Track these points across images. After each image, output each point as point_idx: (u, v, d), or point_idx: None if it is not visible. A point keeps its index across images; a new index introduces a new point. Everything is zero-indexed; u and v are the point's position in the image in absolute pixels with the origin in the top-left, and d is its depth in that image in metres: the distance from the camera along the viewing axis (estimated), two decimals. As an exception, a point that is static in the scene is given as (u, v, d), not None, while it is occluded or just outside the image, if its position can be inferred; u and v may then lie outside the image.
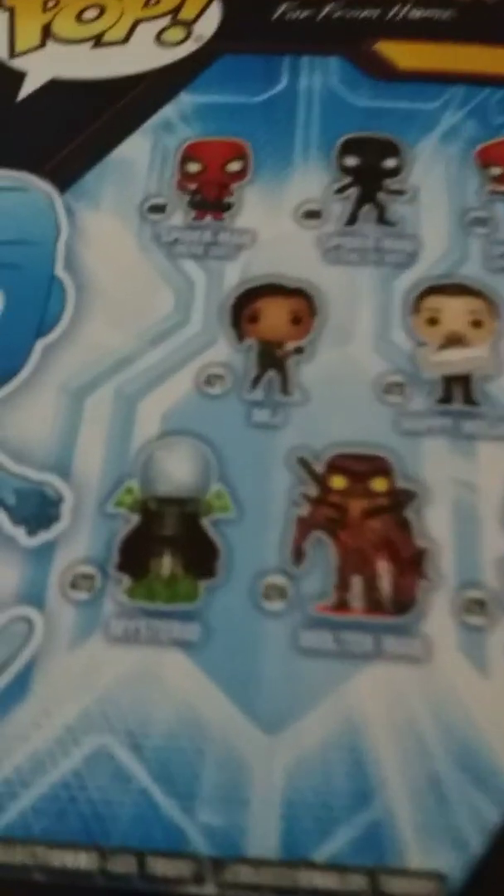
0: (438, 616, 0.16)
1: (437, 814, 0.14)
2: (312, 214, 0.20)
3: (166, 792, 0.15)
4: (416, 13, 0.23)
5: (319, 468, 0.17)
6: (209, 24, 0.23)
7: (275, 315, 0.19)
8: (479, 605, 0.16)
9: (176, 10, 0.23)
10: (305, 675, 0.16)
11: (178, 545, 0.17)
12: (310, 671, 0.16)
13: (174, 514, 0.17)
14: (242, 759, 0.15)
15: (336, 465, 0.17)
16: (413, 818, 0.14)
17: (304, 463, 0.17)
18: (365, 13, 0.23)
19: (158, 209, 0.21)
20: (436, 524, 0.17)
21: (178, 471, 0.18)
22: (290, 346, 0.19)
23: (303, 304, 0.19)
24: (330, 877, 0.14)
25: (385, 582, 0.16)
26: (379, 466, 0.17)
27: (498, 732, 0.15)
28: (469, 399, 0.18)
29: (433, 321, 0.19)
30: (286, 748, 0.15)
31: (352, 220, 0.20)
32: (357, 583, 0.16)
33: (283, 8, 0.23)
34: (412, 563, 0.16)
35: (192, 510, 0.17)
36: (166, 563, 0.17)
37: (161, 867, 0.14)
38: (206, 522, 0.17)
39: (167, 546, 0.17)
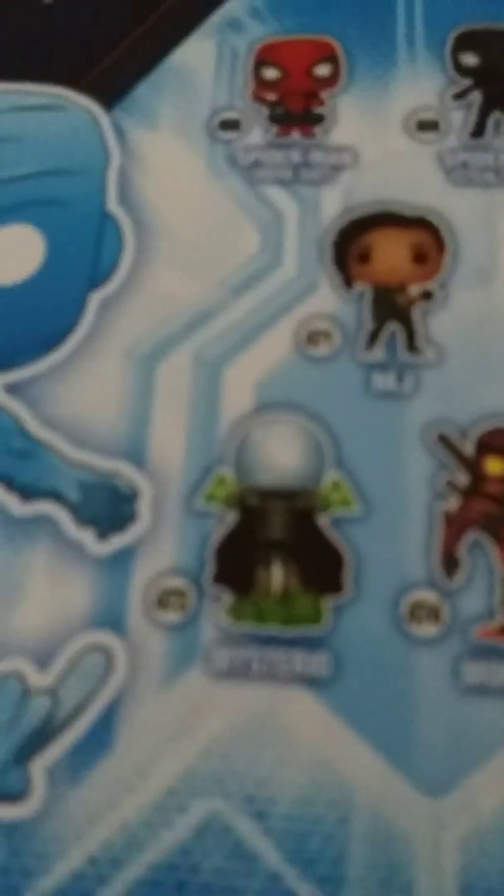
0: None
1: None
2: (428, 125, 0.17)
3: (303, 875, 0.12)
4: None
5: (469, 448, 0.14)
6: None
7: (392, 252, 0.16)
8: None
9: None
10: (475, 720, 0.12)
11: (291, 551, 0.14)
12: (480, 714, 0.12)
13: (281, 511, 0.14)
14: (401, 830, 0.12)
15: (492, 444, 0.14)
16: None
17: (447, 441, 0.14)
18: None
19: (231, 125, 0.17)
20: None
21: (282, 456, 0.14)
22: (415, 289, 0.15)
23: (426, 236, 0.16)
24: None
25: None
26: (547, 444, 0.14)
27: None
28: None
29: None
30: (458, 815, 0.12)
31: (479, 131, 0.16)
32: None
33: None
34: None
35: (303, 505, 0.14)
36: (277, 575, 0.13)
37: None
38: (323, 521, 0.14)
39: (276, 552, 0.14)
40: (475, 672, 0.13)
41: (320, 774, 0.12)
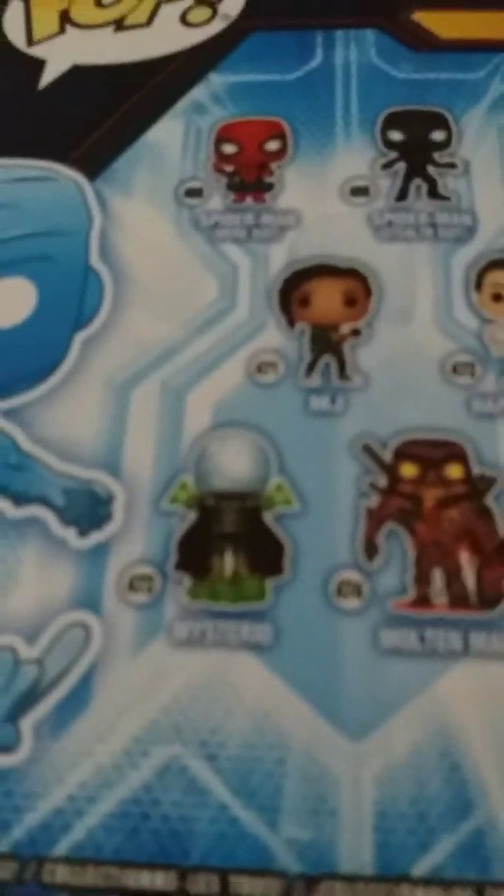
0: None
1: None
2: (360, 191, 0.20)
3: (247, 805, 0.14)
4: (455, -19, 0.22)
5: (387, 456, 0.17)
6: (235, 2, 0.23)
7: (327, 297, 0.19)
8: None
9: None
10: (389, 677, 0.15)
11: (240, 542, 0.16)
12: (394, 672, 0.15)
13: (233, 510, 0.17)
14: (328, 768, 0.15)
15: (406, 453, 0.17)
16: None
17: (369, 450, 0.17)
18: (401, -17, 0.23)
19: (195, 193, 0.20)
20: (516, 510, 0.16)
21: (234, 464, 0.17)
22: (346, 328, 0.18)
23: (356, 284, 0.19)
24: (433, 892, 0.14)
25: (469, 575, 0.16)
26: (452, 452, 0.17)
27: None
28: (542, 377, 0.17)
29: (498, 297, 0.18)
30: (375, 755, 0.15)
31: (402, 195, 0.20)
32: (438, 577, 0.16)
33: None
34: (497, 554, 0.16)
35: (252, 505, 0.17)
36: (229, 561, 0.16)
37: (247, 887, 0.14)
38: (268, 517, 0.16)
39: (228, 543, 0.16)
40: (391, 638, 0.15)
41: (262, 724, 0.15)
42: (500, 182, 0.20)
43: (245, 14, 0.23)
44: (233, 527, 0.17)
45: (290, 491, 0.17)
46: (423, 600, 0.16)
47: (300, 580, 0.16)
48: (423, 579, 0.16)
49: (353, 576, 0.16)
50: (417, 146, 0.20)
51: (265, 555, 0.16)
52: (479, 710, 0.15)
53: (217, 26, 0.23)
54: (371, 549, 0.16)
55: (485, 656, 0.15)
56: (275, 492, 0.17)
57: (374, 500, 0.16)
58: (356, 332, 0.18)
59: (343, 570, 0.16)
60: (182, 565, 0.16)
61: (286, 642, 0.15)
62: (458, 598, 0.15)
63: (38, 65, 0.23)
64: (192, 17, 0.23)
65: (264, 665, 0.15)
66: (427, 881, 0.14)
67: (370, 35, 0.22)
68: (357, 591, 0.16)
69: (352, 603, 0.16)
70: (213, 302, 0.19)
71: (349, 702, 0.15)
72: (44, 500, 0.17)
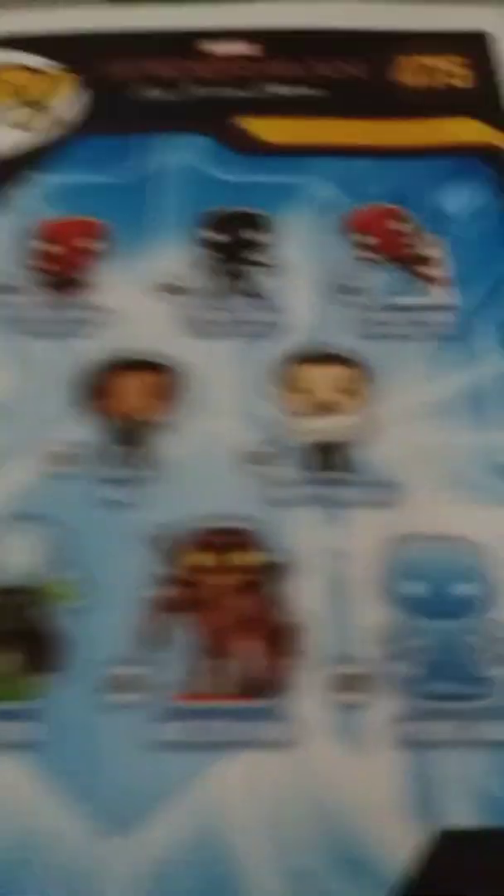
0: (309, 696, 0.16)
1: (310, 915, 0.14)
2: (175, 289, 0.20)
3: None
4: (283, 90, 0.24)
5: (177, 545, 0.17)
6: (69, 106, 0.24)
7: (132, 390, 0.19)
8: (354, 681, 0.16)
9: (34, 94, 0.24)
10: (160, 771, 0.15)
11: (15, 639, 0.16)
12: (165, 765, 0.15)
13: (9, 607, 0.17)
14: (83, 866, 0.14)
15: (196, 541, 0.17)
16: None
17: (157, 541, 0.17)
18: (229, 92, 0.24)
19: (9, 289, 0.21)
20: (306, 597, 0.16)
21: (11, 559, 0.17)
22: (150, 420, 0.19)
23: (163, 377, 0.19)
24: None
25: (250, 664, 0.16)
26: (243, 539, 0.17)
27: (378, 818, 0.14)
28: (340, 466, 0.18)
29: (302, 390, 0.19)
30: (136, 851, 0.14)
31: (216, 293, 0.20)
32: (219, 667, 0.16)
33: (145, 90, 0.24)
34: (279, 642, 0.16)
35: (28, 600, 0.17)
36: (2, 660, 0.16)
37: None
38: (47, 612, 0.16)
39: (2, 642, 0.16)
40: (165, 730, 0.15)
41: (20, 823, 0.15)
42: (309, 281, 0.21)
43: (78, 118, 0.24)
44: (8, 623, 0.16)
45: (72, 585, 0.17)
46: (201, 691, 0.16)
47: (77, 676, 0.16)
48: (203, 670, 0.16)
49: (131, 670, 0.16)
50: (235, 246, 0.21)
51: (41, 651, 0.16)
52: (249, 799, 0.15)
53: (49, 129, 0.23)
54: (151, 641, 0.16)
55: (259, 745, 0.15)
56: (56, 586, 0.17)
57: (158, 591, 0.17)
58: (160, 425, 0.18)
59: (121, 665, 0.16)
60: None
61: (58, 740, 0.15)
62: (238, 688, 0.16)
63: None
64: (21, 119, 0.24)
65: (31, 764, 0.15)
66: None
67: (199, 140, 0.23)
68: (135, 684, 0.16)
69: (128, 697, 0.16)
70: (10, 392, 0.19)
71: (113, 797, 0.15)
72: None
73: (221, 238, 0.21)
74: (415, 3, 0.25)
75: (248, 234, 0.21)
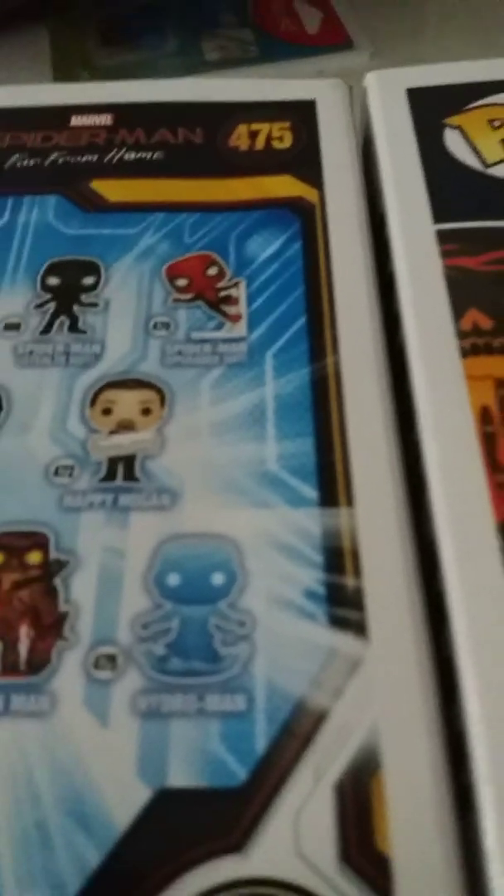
0: (69, 673, 0.17)
1: (38, 859, 0.15)
2: (12, 327, 0.22)
3: None
4: (130, 155, 0.26)
5: (-23, 545, 0.18)
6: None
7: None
8: (109, 660, 0.17)
9: None
10: None
11: None
12: None
13: None
14: None
15: (-7, 543, 0.18)
16: (15, 864, 0.15)
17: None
18: (86, 158, 0.26)
19: None
20: (81, 589, 0.18)
21: None
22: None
23: (-11, 403, 0.21)
24: None
25: (23, 646, 0.17)
26: (37, 541, 0.18)
27: (110, 779, 0.16)
28: (130, 476, 0.19)
29: (107, 411, 0.20)
30: None
31: (46, 329, 0.22)
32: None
33: (13, 158, 0.26)
34: (51, 627, 0.17)
35: None
36: None
37: None
38: None
39: None
40: None
41: None
42: (131, 318, 0.22)
43: None
44: None
45: None
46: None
47: None
48: (-13, 652, 0.17)
49: None
50: (69, 289, 0.23)
51: None
52: (5, 763, 0.16)
53: None
54: None
55: (20, 715, 0.16)
56: None
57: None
58: (-21, 443, 0.20)
59: None
60: None
61: None
62: (10, 666, 0.17)
63: None
64: None
65: None
66: None
67: (52, 199, 0.25)
68: None
69: None
70: None
71: None
72: None
73: (56, 282, 0.23)
74: (254, 78, 0.27)
75: (82, 279, 0.23)
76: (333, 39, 0.45)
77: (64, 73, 0.42)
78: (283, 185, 0.25)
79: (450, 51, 0.41)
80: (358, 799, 0.15)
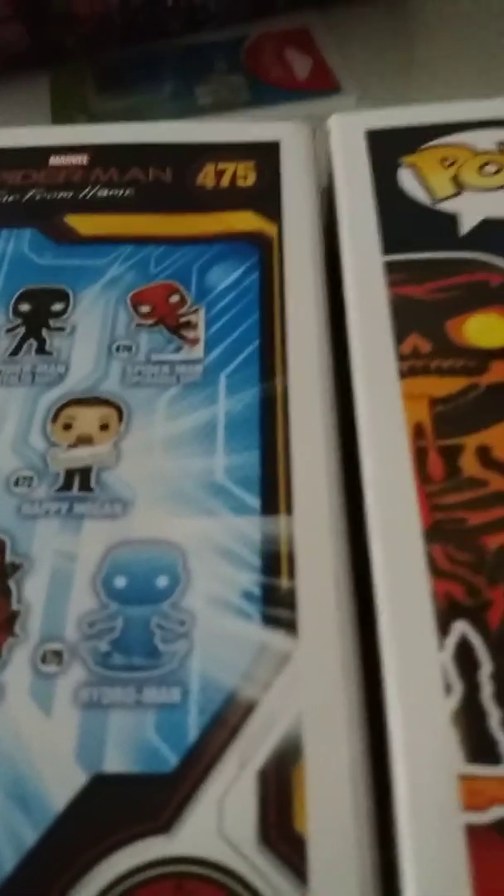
0: (17, 667, 0.18)
1: (-24, 838, 0.16)
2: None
3: None
4: (103, 192, 0.27)
5: None
6: None
7: None
8: (55, 656, 0.18)
9: None
10: None
11: None
12: None
13: None
14: None
15: (-48, 546, 0.19)
16: (-46, 844, 0.16)
17: None
18: (61, 195, 0.27)
19: None
20: (33, 590, 0.19)
21: None
22: None
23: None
24: None
25: (-24, 639, 0.18)
26: (-6, 546, 0.20)
27: (50, 764, 0.16)
28: (85, 486, 0.20)
29: (68, 426, 0.22)
30: None
31: (15, 351, 0.23)
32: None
33: (-3, 195, 0.27)
34: (3, 624, 0.18)
35: None
36: None
37: None
38: None
39: None
40: None
41: None
42: (95, 341, 0.23)
43: None
44: None
45: None
46: None
47: None
48: None
49: None
50: (38, 315, 0.24)
51: None
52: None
53: None
54: None
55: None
56: None
57: None
58: None
59: None
60: None
61: None
62: (-38, 661, 0.18)
63: None
64: None
65: None
66: None
67: (28, 233, 0.26)
68: None
69: None
70: None
71: None
72: None
73: (27, 308, 0.24)
74: (223, 121, 0.29)
75: (51, 305, 0.24)
76: (322, 85, 0.47)
77: (63, 117, 0.44)
78: (244, 220, 0.26)
79: (437, 95, 0.43)
80: (279, 785, 0.16)
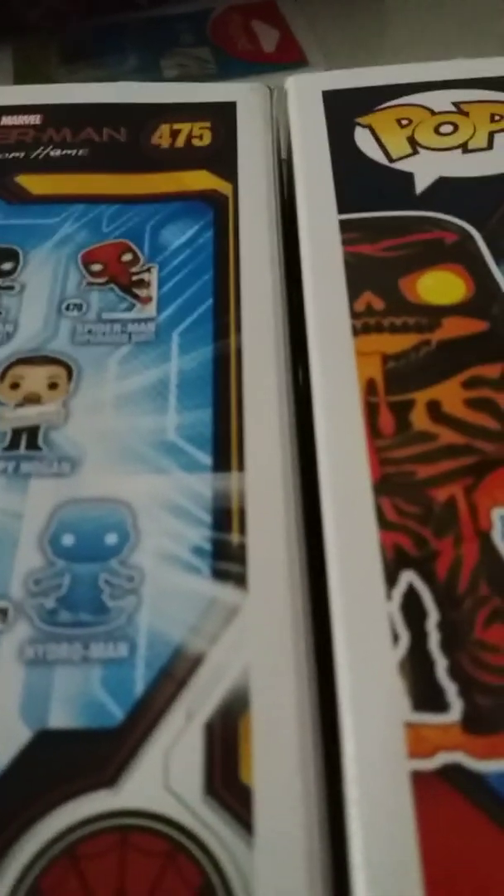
0: (-39, 625, 0.17)
1: None
2: None
3: None
4: (56, 152, 0.27)
5: None
6: None
7: None
8: (0, 613, 0.17)
9: None
10: None
11: None
12: None
13: None
14: None
15: None
16: None
17: None
18: (13, 155, 0.27)
19: None
20: (-22, 549, 0.18)
21: None
22: None
23: None
24: None
25: None
26: None
27: (-6, 721, 0.16)
28: (33, 445, 0.20)
29: (15, 385, 0.21)
30: None
31: (-19, 307, 0.23)
32: None
33: None
34: None
35: None
36: None
37: None
38: None
39: None
40: None
41: None
42: (45, 300, 0.23)
43: None
44: None
45: None
46: None
47: None
48: None
49: None
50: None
51: None
52: None
53: None
54: None
55: None
56: None
57: None
58: None
59: None
60: None
61: None
62: None
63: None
64: None
65: None
66: None
67: (-23, 195, 0.26)
68: None
69: None
70: None
71: None
72: None
73: (11, 267, 0.24)
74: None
75: (1, 265, 0.24)
76: (289, 57, 0.47)
77: (22, 88, 0.43)
78: (199, 180, 0.26)
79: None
80: (226, 737, 0.16)
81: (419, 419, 0.19)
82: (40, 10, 0.48)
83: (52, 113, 0.28)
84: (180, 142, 0.27)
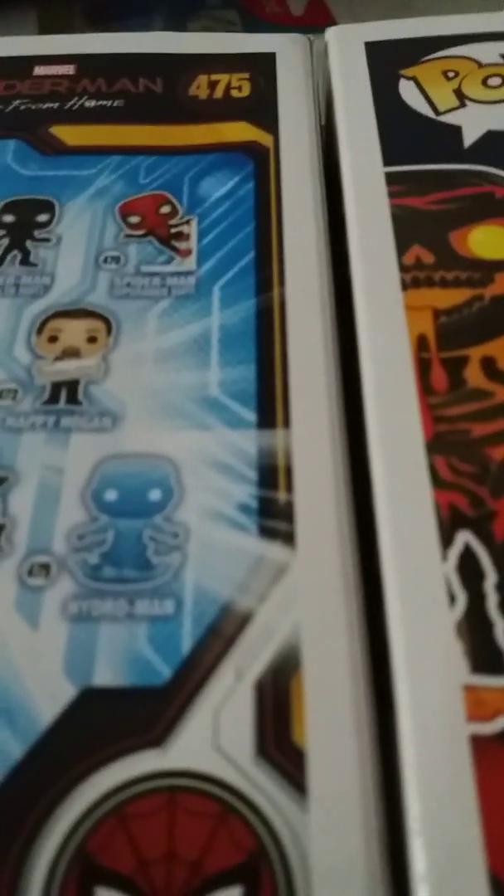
0: (1, 581, 0.17)
1: (-39, 752, 0.15)
2: (-35, 259, 0.22)
3: None
4: (91, 103, 0.26)
5: None
6: None
7: None
8: (43, 569, 0.17)
9: None
10: None
11: None
12: None
13: None
14: None
15: None
16: None
17: None
18: (47, 105, 0.26)
19: None
20: (18, 504, 0.18)
21: None
22: None
23: None
24: None
25: (-41, 554, 0.17)
26: (-24, 459, 0.18)
27: (37, 678, 0.16)
28: (73, 400, 0.19)
29: (53, 339, 0.20)
30: None
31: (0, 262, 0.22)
32: None
33: (-23, 104, 0.26)
34: (-13, 538, 0.17)
35: None
36: None
37: None
38: None
39: None
40: None
41: None
42: (82, 252, 0.22)
43: None
44: None
45: None
46: None
47: None
48: None
49: None
50: (23, 226, 0.23)
51: None
52: None
53: None
54: None
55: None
56: None
57: None
58: None
59: None
60: None
61: None
62: None
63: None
64: None
65: None
66: None
67: (12, 143, 0.25)
68: None
69: None
70: None
71: None
72: None
73: (10, 219, 0.23)
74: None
75: (36, 216, 0.23)
76: (318, 20, 0.45)
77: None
78: (238, 131, 0.25)
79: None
80: (277, 696, 0.15)
81: (473, 376, 0.18)
82: (64, -29, 0.47)
83: (86, 63, 0.27)
84: (219, 93, 0.26)
